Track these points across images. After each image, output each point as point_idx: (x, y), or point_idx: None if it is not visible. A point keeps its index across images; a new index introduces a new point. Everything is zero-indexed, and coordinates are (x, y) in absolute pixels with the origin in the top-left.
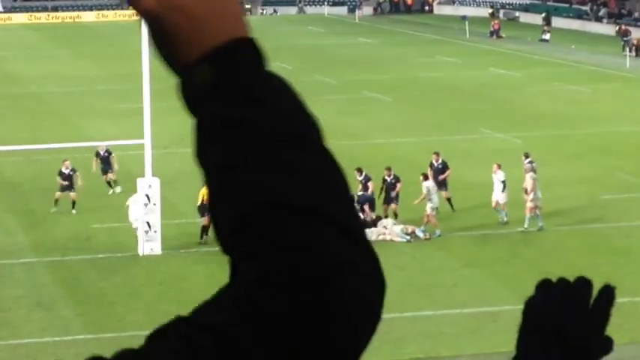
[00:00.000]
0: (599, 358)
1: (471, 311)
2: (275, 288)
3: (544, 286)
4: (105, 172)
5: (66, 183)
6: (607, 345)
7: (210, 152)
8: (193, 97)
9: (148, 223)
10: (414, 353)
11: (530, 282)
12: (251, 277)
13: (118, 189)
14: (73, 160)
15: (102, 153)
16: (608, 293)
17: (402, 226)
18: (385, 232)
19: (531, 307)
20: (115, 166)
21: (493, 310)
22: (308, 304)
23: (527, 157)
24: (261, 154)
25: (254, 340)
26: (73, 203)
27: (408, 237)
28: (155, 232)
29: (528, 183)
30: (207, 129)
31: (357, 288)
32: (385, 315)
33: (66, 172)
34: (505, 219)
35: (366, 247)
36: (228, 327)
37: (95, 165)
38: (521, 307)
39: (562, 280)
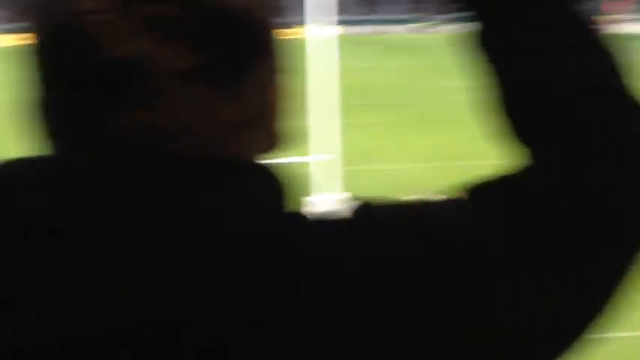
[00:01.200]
0: None
1: None
2: (592, 161)
3: None
4: None
5: None
6: None
7: (494, 42)
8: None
9: None
10: None
11: None
12: (568, 153)
13: None
14: None
15: None
16: None
17: None
18: None
19: None
20: None
21: None
22: (622, 178)
23: None
24: (543, 39)
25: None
26: None
27: None
28: None
29: None
30: (489, 19)
31: None
32: None
33: None
34: None
35: None
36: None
37: None
38: None
39: None
